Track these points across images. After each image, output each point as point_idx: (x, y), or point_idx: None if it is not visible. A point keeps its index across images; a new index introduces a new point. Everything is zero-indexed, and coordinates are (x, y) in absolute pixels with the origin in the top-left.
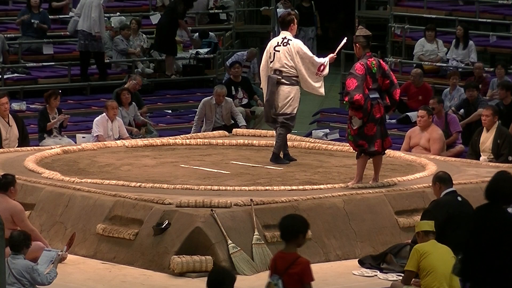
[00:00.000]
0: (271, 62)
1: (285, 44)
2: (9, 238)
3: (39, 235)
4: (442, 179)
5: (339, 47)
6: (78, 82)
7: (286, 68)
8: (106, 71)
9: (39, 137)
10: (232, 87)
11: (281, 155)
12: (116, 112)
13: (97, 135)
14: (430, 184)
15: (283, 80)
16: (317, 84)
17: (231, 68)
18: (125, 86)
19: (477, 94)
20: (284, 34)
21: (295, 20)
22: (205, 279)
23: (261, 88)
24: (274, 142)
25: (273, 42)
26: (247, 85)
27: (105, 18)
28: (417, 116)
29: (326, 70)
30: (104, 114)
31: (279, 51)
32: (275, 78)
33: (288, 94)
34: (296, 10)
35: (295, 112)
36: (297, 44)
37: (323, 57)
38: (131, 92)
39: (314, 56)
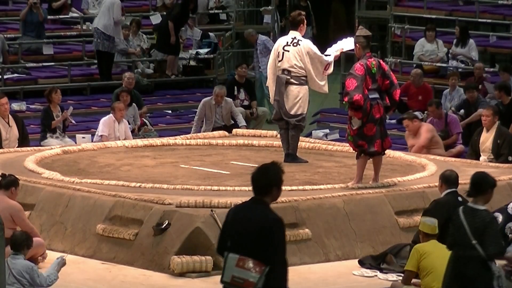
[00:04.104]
0: (279, 61)
1: (295, 44)
2: (11, 238)
3: (38, 233)
4: (446, 178)
5: (346, 48)
6: (79, 82)
7: (295, 68)
8: (111, 72)
9: (41, 137)
10: (235, 87)
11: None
12: (123, 113)
13: (101, 135)
14: (430, 184)
15: (292, 80)
16: (322, 83)
17: (237, 67)
18: (123, 86)
19: (477, 94)
20: (293, 34)
21: (305, 21)
22: (205, 279)
23: (267, 86)
24: (283, 144)
25: (281, 41)
26: (250, 88)
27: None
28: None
29: (331, 69)
30: (111, 115)
31: (288, 51)
32: (284, 78)
33: (297, 94)
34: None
35: (305, 112)
36: (307, 44)
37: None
38: (130, 92)
39: (323, 55)
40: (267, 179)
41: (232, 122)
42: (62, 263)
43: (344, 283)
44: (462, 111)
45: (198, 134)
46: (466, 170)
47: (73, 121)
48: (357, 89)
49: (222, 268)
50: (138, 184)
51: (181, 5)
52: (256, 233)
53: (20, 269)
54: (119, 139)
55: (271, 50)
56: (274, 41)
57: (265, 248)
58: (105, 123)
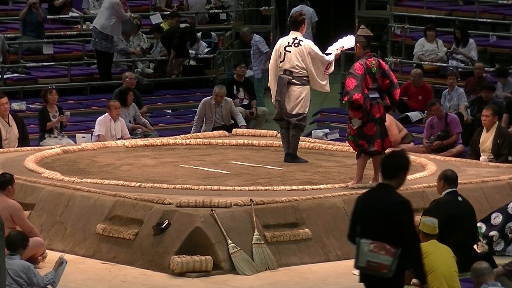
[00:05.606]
0: (281, 62)
1: (296, 45)
2: (7, 238)
3: (38, 233)
4: (448, 178)
5: (347, 46)
6: (79, 82)
7: (297, 69)
8: (110, 72)
9: (39, 137)
10: (234, 87)
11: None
12: (119, 112)
13: (98, 135)
14: (430, 184)
15: (294, 81)
16: (323, 82)
17: (236, 67)
18: (123, 86)
19: (492, 94)
20: (294, 34)
21: (306, 21)
22: (205, 279)
23: (268, 87)
24: (284, 143)
25: (283, 41)
26: (249, 87)
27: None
28: None
29: (332, 68)
30: (106, 114)
31: (290, 51)
32: (286, 79)
33: (299, 95)
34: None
35: (306, 111)
36: (309, 45)
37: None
38: (132, 91)
39: (324, 55)
40: (397, 163)
41: (232, 121)
42: (59, 262)
43: (344, 283)
44: (468, 110)
45: (198, 133)
46: (466, 170)
47: (67, 113)
48: (357, 89)
49: (355, 254)
50: (138, 184)
51: (179, 37)
52: (386, 216)
53: (17, 269)
54: (116, 138)
55: (262, 52)
56: (274, 41)
57: (395, 230)
58: (101, 123)
